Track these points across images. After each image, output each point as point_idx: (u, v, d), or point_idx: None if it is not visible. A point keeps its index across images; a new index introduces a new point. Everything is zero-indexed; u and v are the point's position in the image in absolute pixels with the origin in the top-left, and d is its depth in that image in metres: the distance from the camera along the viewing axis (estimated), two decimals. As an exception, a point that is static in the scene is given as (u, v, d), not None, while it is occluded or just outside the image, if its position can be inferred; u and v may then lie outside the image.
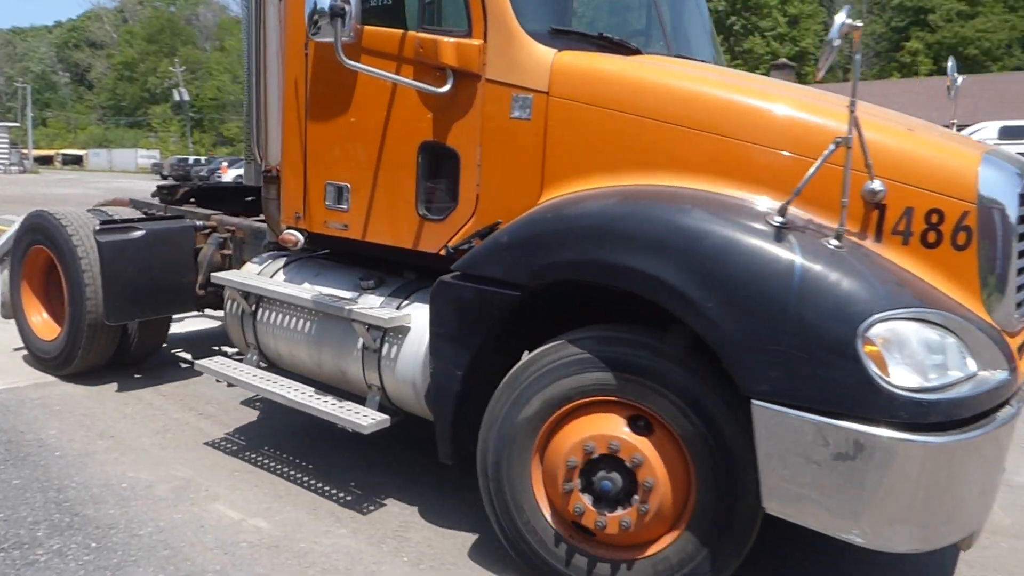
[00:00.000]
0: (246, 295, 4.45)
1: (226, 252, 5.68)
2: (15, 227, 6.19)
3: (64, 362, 5.72)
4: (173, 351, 6.82)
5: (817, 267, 2.63)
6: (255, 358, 4.53)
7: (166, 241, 5.44)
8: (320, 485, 4.29)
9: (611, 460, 3.02)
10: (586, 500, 3.06)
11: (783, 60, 40.45)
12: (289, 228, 4.29)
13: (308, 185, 4.16)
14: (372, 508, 4.06)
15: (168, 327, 6.13)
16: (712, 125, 3.12)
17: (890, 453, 2.52)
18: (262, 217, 5.91)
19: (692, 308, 2.74)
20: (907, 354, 2.56)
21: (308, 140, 4.13)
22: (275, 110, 4.44)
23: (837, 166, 2.69)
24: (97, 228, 5.23)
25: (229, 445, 4.81)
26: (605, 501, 3.05)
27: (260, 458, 4.63)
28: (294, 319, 4.24)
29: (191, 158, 54.50)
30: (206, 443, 4.82)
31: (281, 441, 4.90)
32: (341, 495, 4.19)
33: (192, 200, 6.39)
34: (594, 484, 3.05)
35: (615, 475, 3.02)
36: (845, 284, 2.60)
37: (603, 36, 3.68)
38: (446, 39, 3.53)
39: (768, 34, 55.94)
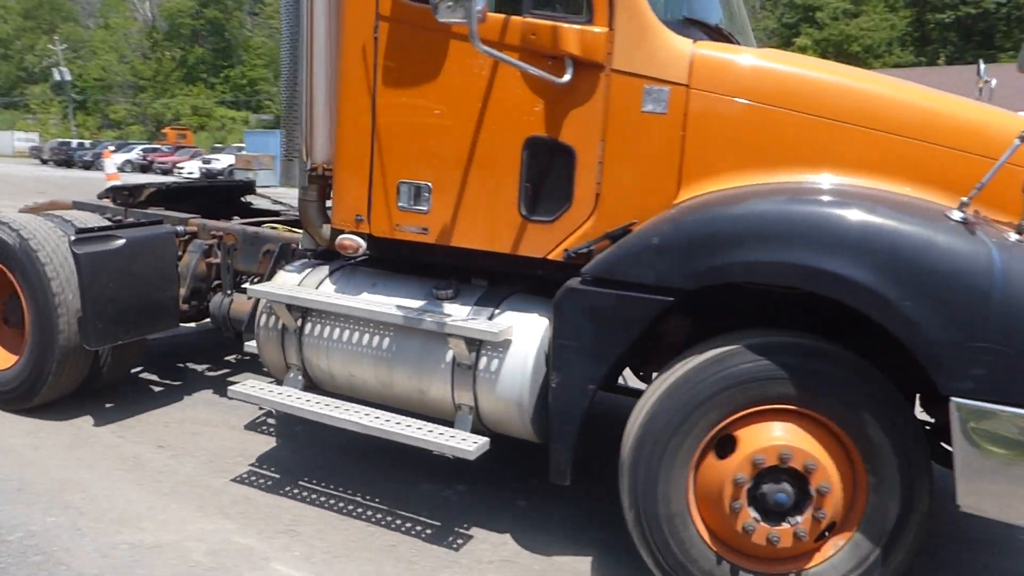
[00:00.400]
0: (289, 309, 3.94)
1: (212, 261, 5.12)
2: None
3: (24, 395, 4.86)
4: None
5: (1015, 262, 2.56)
6: (299, 379, 4.03)
7: (149, 250, 4.76)
8: (204, 483, 4.06)
9: (781, 471, 2.82)
10: (755, 515, 2.86)
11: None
12: (347, 232, 3.82)
13: (375, 185, 3.69)
14: (261, 504, 3.89)
15: (143, 347, 5.41)
16: (875, 121, 2.99)
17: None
18: (252, 220, 5.40)
19: (889, 309, 2.60)
20: None
21: (378, 135, 3.65)
22: (322, 102, 3.92)
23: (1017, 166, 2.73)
24: (74, 238, 4.49)
25: (107, 443, 4.48)
26: (774, 514, 2.86)
27: (141, 455, 4.34)
28: (357, 334, 3.77)
29: (74, 142, 50.84)
30: (83, 442, 4.47)
31: (162, 436, 4.65)
32: (226, 492, 3.97)
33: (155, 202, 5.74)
34: (765, 497, 2.85)
35: (787, 486, 2.83)
36: None
37: (718, 28, 3.43)
38: (567, 25, 3.17)
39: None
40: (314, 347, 3.92)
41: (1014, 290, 2.51)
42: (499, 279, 3.72)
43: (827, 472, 2.80)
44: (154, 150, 45.20)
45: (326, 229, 4.05)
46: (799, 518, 2.83)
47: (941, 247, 2.59)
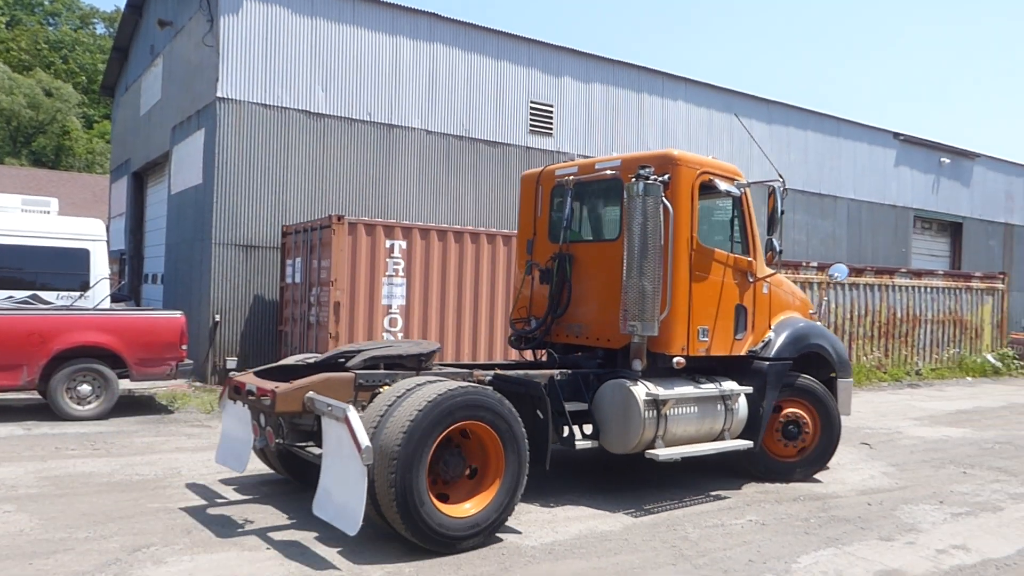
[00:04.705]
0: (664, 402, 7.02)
1: None
2: (421, 403, 5.44)
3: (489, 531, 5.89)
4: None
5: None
6: (662, 444, 7.06)
7: None
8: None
9: None
10: None
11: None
12: (678, 356, 7.22)
13: (692, 329, 7.31)
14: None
15: None
16: (792, 294, 8.93)
17: None
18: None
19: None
20: None
21: (692, 304, 7.29)
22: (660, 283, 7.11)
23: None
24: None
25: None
26: None
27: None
28: (696, 408, 7.29)
29: None
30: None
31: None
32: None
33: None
34: None
35: None
36: None
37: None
38: (747, 258, 7.90)
39: None
40: (674, 420, 7.11)
41: None
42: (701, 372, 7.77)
43: None
44: None
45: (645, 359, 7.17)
46: None
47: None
